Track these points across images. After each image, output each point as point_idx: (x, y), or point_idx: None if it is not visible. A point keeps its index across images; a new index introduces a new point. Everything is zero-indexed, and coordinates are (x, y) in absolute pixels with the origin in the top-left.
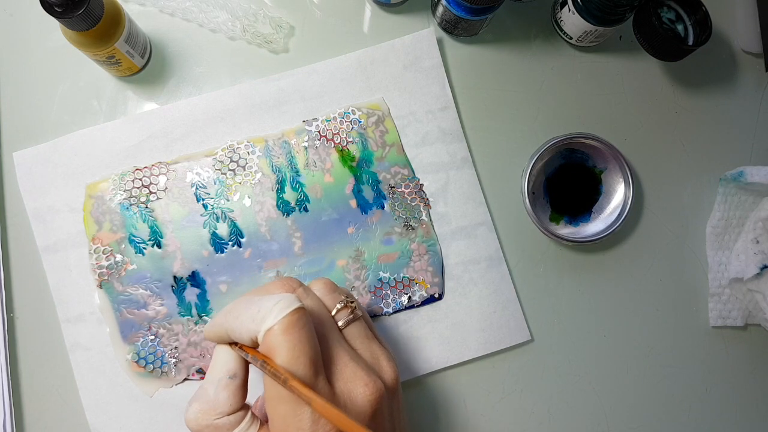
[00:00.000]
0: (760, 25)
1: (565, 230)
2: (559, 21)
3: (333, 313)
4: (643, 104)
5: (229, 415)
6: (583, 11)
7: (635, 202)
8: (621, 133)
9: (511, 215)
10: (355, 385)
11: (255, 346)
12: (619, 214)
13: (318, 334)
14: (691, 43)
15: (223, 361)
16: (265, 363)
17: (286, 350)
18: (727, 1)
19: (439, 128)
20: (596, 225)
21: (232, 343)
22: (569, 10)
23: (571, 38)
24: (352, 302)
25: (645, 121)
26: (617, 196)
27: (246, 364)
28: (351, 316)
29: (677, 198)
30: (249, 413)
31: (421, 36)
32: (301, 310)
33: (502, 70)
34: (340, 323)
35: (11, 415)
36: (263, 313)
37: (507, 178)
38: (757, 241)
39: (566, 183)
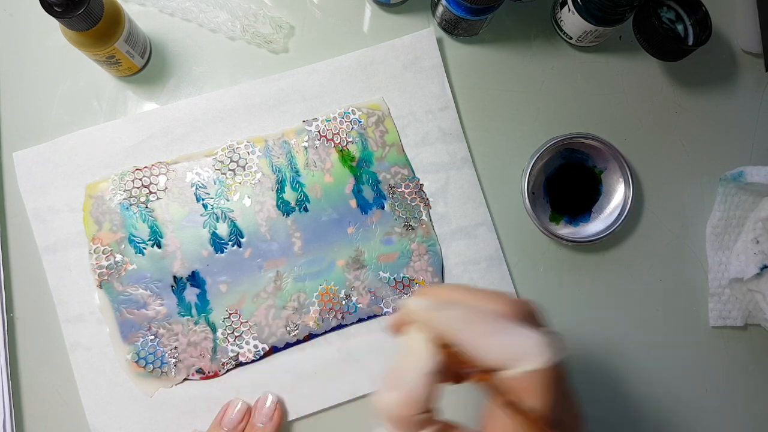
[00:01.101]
0: (760, 25)
1: (565, 230)
2: (559, 21)
3: None
4: (643, 104)
5: (426, 412)
6: (583, 11)
7: (635, 202)
8: (621, 133)
9: (511, 215)
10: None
11: (485, 369)
12: (619, 214)
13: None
14: (691, 43)
15: (429, 356)
16: (513, 404)
17: (540, 397)
18: (727, 1)
19: (439, 128)
20: (596, 225)
21: (444, 345)
22: (569, 10)
23: (571, 38)
24: None
25: (645, 121)
26: (617, 196)
27: (442, 364)
28: None
29: (677, 198)
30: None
31: (421, 36)
32: (564, 366)
33: (502, 70)
34: None
35: (11, 415)
36: (529, 348)
37: (507, 178)
38: (757, 241)
39: (566, 183)
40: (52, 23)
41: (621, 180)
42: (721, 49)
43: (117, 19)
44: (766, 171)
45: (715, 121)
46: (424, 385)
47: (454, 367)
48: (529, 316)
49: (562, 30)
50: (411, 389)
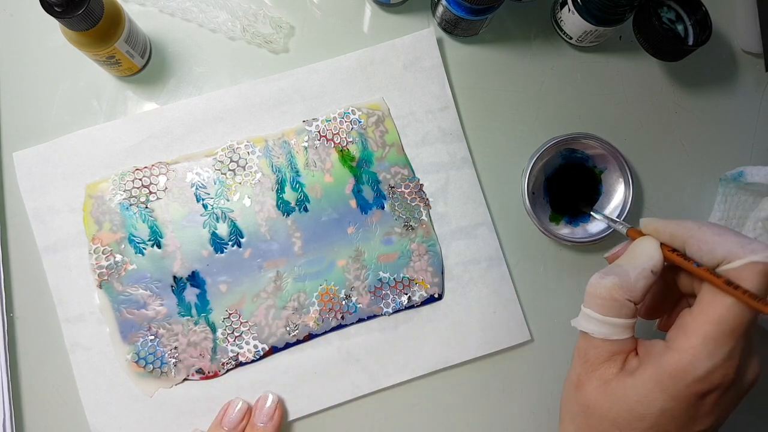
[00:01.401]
0: (760, 25)
1: (565, 230)
2: (559, 21)
3: None
4: (643, 104)
5: (636, 304)
6: (583, 11)
7: (635, 202)
8: (621, 133)
9: (511, 215)
10: None
11: (708, 265)
12: (619, 214)
13: None
14: (691, 43)
15: (650, 255)
16: (731, 283)
17: (757, 288)
18: (727, 1)
19: (439, 128)
20: (596, 225)
21: (667, 247)
22: (569, 10)
23: (571, 38)
24: None
25: (645, 121)
26: (617, 196)
27: (665, 270)
28: None
29: (677, 198)
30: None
31: (421, 36)
32: None
33: (502, 70)
34: None
35: (11, 415)
36: (756, 246)
37: (507, 178)
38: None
39: (566, 183)
40: (52, 23)
41: (621, 180)
42: (721, 49)
43: (117, 19)
44: (766, 171)
45: (715, 121)
46: (645, 277)
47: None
48: None
49: (562, 30)
50: (632, 278)
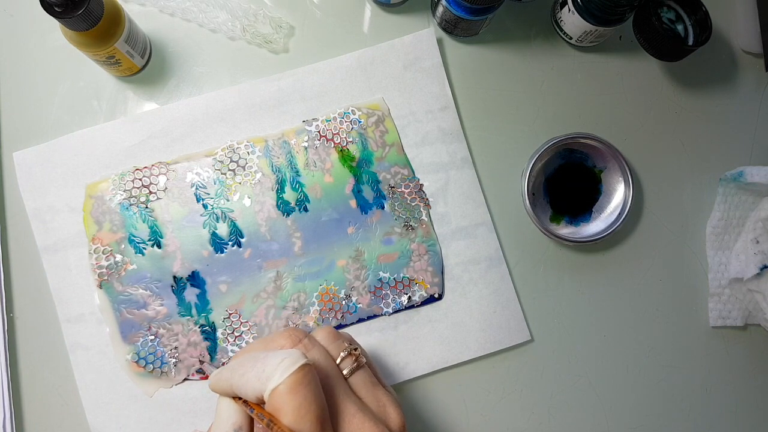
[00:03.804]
0: (760, 25)
1: (565, 230)
2: (559, 21)
3: (338, 362)
4: (643, 104)
5: None
6: (583, 11)
7: (635, 202)
8: (621, 133)
9: (511, 215)
10: None
11: (262, 402)
12: (619, 214)
13: (324, 386)
14: (691, 43)
15: (228, 415)
16: (272, 422)
17: (291, 410)
18: (727, 1)
19: (439, 128)
20: (596, 225)
21: (237, 398)
22: (569, 10)
23: (571, 38)
24: (355, 349)
25: (645, 121)
26: (617, 195)
27: (251, 417)
28: (355, 364)
29: (677, 198)
30: None
31: (421, 36)
32: (306, 367)
33: (502, 70)
34: (344, 372)
35: (11, 415)
36: (268, 371)
37: (507, 179)
38: (757, 241)
39: (566, 183)
40: (52, 23)
41: (621, 180)
42: (721, 49)
43: (117, 19)
44: (766, 171)
45: (715, 121)
46: None
47: None
48: (297, 342)
49: (562, 30)
50: None
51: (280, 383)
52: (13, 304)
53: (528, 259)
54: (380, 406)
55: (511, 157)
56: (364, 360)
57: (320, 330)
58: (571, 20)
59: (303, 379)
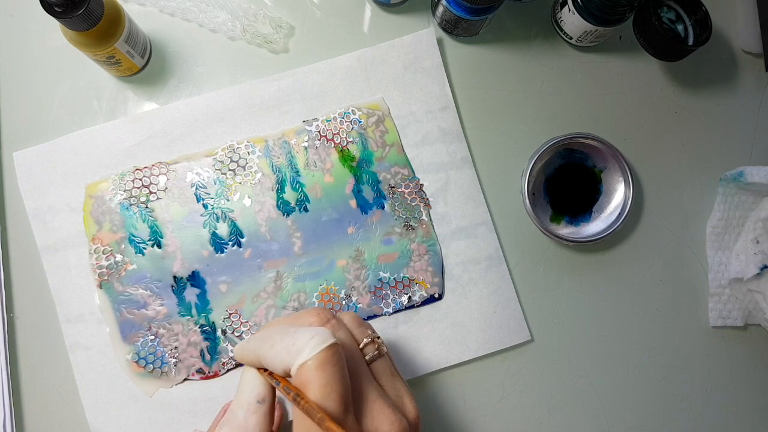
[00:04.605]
0: (760, 25)
1: (565, 230)
2: (559, 21)
3: (360, 347)
4: (643, 104)
5: None
6: (583, 11)
7: (635, 202)
8: (621, 133)
9: (511, 215)
10: (381, 422)
11: (287, 375)
12: (619, 214)
13: (348, 368)
14: (691, 43)
15: (252, 386)
16: (298, 396)
17: (319, 386)
18: (727, 1)
19: (439, 128)
20: (596, 225)
21: (262, 369)
22: (569, 10)
23: (571, 38)
24: (378, 337)
25: (645, 121)
26: (617, 195)
27: (273, 389)
28: (377, 351)
29: (677, 198)
30: None
31: (421, 36)
32: (336, 347)
33: (502, 70)
34: (366, 357)
35: (11, 415)
36: (299, 346)
37: (507, 179)
38: (757, 241)
39: (566, 183)
40: (52, 23)
41: (621, 180)
42: (721, 49)
43: (117, 19)
44: (766, 171)
45: (715, 121)
46: (254, 412)
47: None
48: (325, 321)
49: (562, 30)
50: (239, 422)
51: (309, 358)
52: (13, 304)
53: (528, 259)
54: (398, 396)
55: (511, 157)
56: (385, 349)
57: (346, 314)
58: (571, 20)
59: (332, 357)
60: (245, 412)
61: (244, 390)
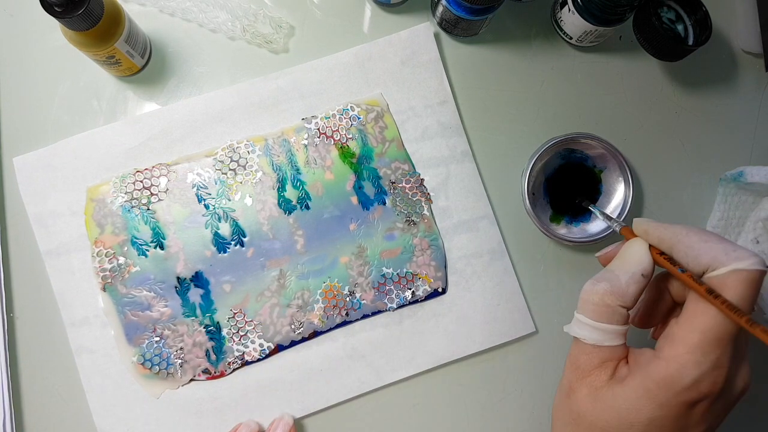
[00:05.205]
0: (760, 25)
1: (565, 230)
2: (559, 21)
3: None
4: (643, 104)
5: (627, 309)
6: (583, 11)
7: (635, 202)
8: (621, 133)
9: (511, 215)
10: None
11: (695, 271)
12: (619, 214)
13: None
14: (691, 43)
15: (640, 259)
16: (713, 292)
17: (739, 299)
18: (727, 1)
19: (439, 122)
20: (596, 225)
21: (657, 251)
22: (569, 10)
23: (571, 38)
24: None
25: (645, 121)
26: (617, 195)
27: (652, 272)
28: None
29: (677, 198)
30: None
31: (418, 30)
32: (763, 278)
33: (502, 70)
34: None
35: (11, 415)
36: (740, 254)
37: (507, 179)
38: (757, 241)
39: (566, 183)
40: (52, 23)
41: (621, 180)
42: (721, 49)
43: (117, 19)
44: (766, 171)
45: (715, 121)
46: (636, 282)
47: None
48: None
49: (562, 30)
50: (623, 283)
51: (748, 269)
52: (13, 305)
53: (528, 259)
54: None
55: (511, 156)
56: None
57: None
58: (571, 20)
59: (759, 283)
60: (628, 278)
61: (630, 261)
